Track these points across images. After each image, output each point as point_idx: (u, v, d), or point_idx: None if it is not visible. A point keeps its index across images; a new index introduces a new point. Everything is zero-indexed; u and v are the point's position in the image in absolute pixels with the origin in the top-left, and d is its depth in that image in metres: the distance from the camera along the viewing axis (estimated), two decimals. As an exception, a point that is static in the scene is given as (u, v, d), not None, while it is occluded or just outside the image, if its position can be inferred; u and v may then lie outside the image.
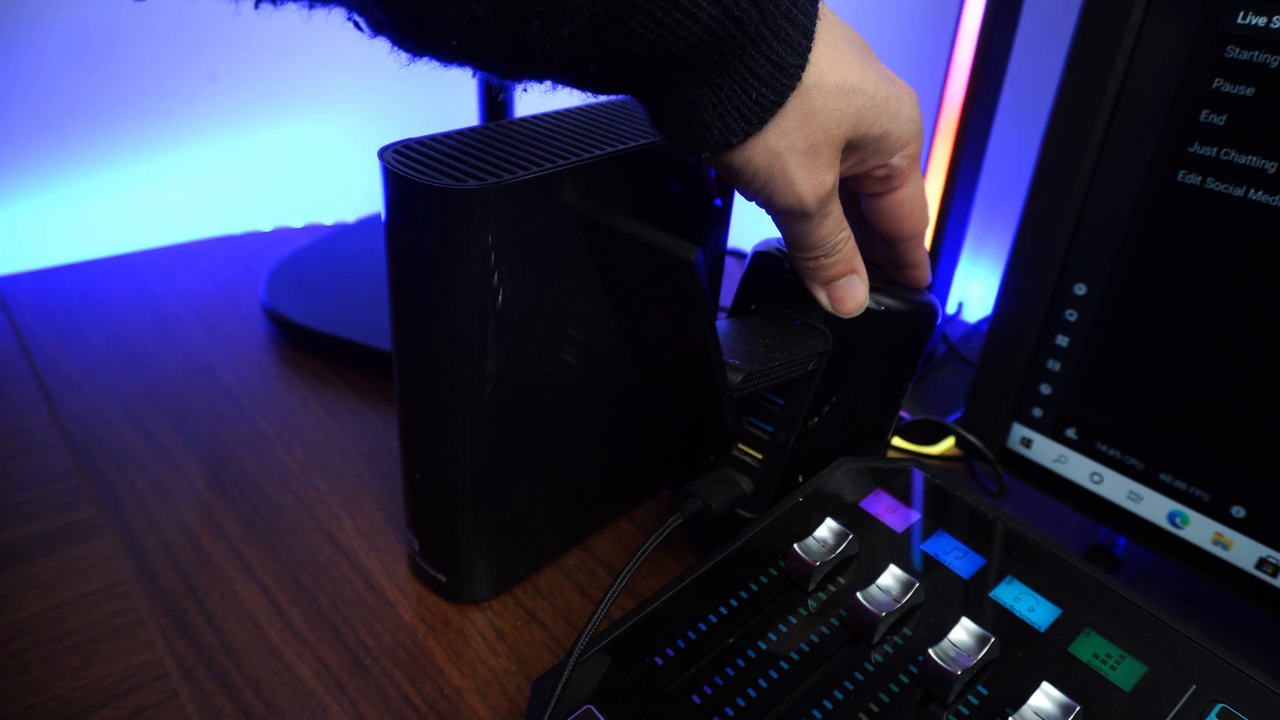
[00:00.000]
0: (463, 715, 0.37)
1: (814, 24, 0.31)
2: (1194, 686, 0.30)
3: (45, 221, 0.76)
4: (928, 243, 0.59)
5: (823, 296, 0.37)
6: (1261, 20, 0.34)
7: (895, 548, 0.36)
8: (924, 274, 0.40)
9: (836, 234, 0.35)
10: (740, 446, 0.42)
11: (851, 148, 0.33)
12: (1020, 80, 0.60)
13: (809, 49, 0.30)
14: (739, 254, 0.73)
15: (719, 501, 0.39)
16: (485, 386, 0.36)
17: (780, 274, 0.40)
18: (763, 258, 0.41)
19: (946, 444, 0.57)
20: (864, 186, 0.37)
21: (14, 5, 0.68)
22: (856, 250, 0.37)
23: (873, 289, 0.39)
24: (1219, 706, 0.30)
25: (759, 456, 0.41)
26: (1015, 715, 0.29)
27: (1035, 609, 0.33)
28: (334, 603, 0.42)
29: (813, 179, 0.32)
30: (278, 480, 0.50)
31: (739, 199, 0.45)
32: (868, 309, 0.39)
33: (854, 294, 0.37)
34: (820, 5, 0.31)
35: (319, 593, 0.43)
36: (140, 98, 0.76)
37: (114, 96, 0.75)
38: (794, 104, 0.31)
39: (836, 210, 0.35)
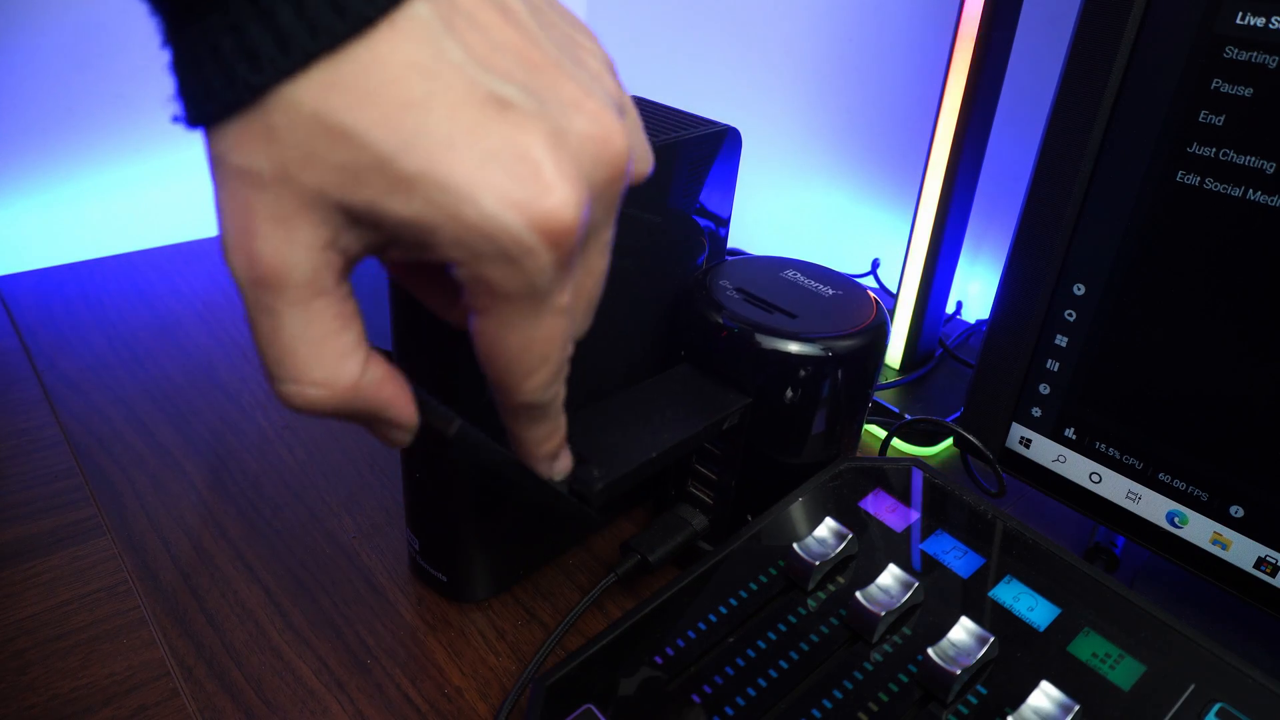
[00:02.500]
0: (463, 714, 0.37)
1: (374, 11, 0.19)
2: (1193, 686, 0.30)
3: (45, 221, 0.76)
4: (922, 252, 0.59)
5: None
6: (1260, 21, 0.34)
7: (894, 547, 0.36)
8: (530, 453, 0.28)
9: (288, 364, 0.22)
10: (694, 484, 0.43)
11: (361, 222, 0.21)
12: (1020, 80, 0.60)
13: (310, 53, 0.19)
14: (738, 254, 0.73)
15: (658, 555, 0.41)
16: (485, 386, 0.36)
17: (702, 324, 0.40)
18: (686, 294, 0.41)
19: (946, 444, 0.57)
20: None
21: (14, 5, 0.68)
22: (376, 398, 0.24)
23: (799, 334, 0.38)
24: (1217, 705, 0.30)
25: (711, 493, 0.42)
26: (1014, 714, 0.29)
27: (1034, 608, 0.33)
28: (334, 602, 0.42)
29: (243, 228, 0.21)
30: (278, 480, 0.50)
31: (737, 203, 0.45)
32: (789, 355, 0.37)
33: (387, 436, 0.25)
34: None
35: (319, 592, 0.43)
36: (140, 98, 0.76)
37: (114, 96, 0.75)
38: (256, 113, 0.20)
39: (297, 325, 0.22)
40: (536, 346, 0.23)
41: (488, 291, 0.22)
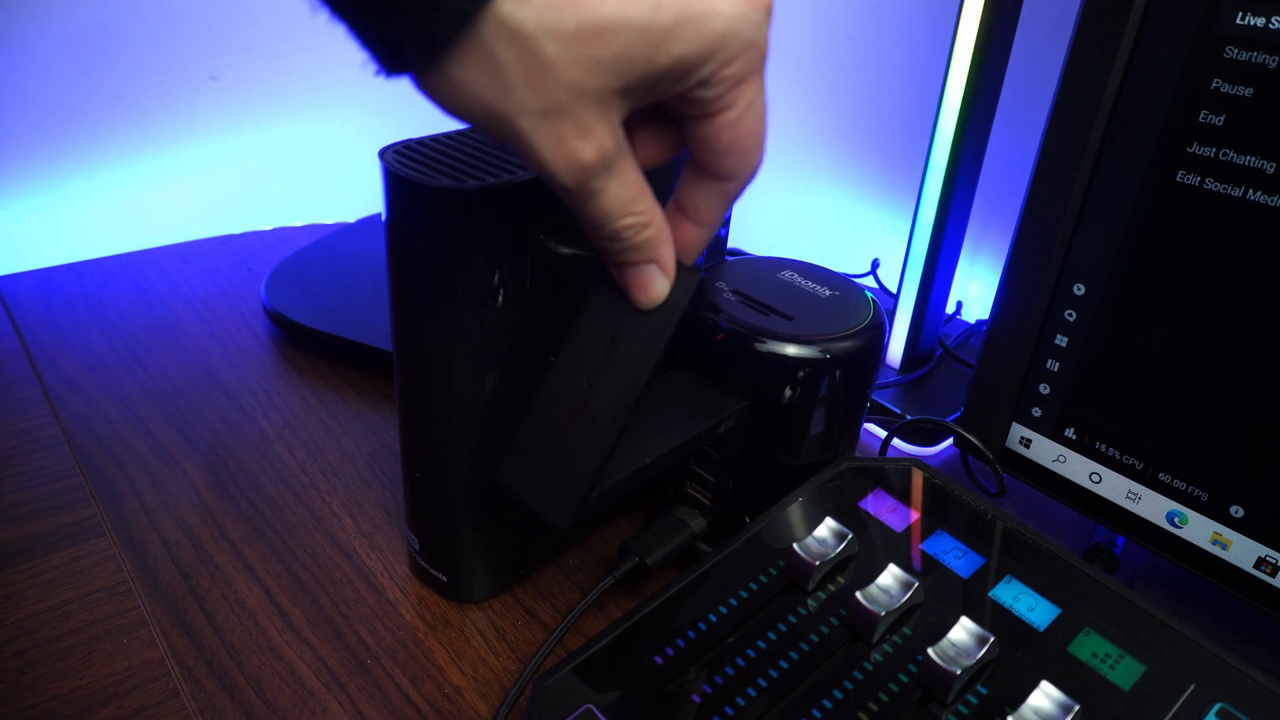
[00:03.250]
0: (463, 714, 0.37)
1: None
2: (1192, 686, 0.30)
3: (45, 221, 0.76)
4: (922, 252, 0.59)
5: (618, 278, 0.31)
6: (1260, 21, 0.34)
7: (894, 547, 0.36)
8: (696, 239, 0.31)
9: (621, 215, 0.28)
10: (692, 486, 0.43)
11: (632, 91, 0.26)
12: (1020, 80, 0.60)
13: None
14: (738, 254, 0.73)
15: (655, 557, 0.41)
16: (485, 386, 0.36)
17: (697, 326, 0.39)
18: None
19: (946, 444, 0.57)
20: (677, 109, 0.28)
21: (14, 5, 0.68)
22: (660, 234, 0.30)
23: (795, 336, 0.38)
24: (1217, 705, 0.30)
25: (709, 495, 0.42)
26: (1014, 714, 0.29)
27: (1034, 608, 0.33)
28: (334, 602, 0.42)
29: (560, 150, 0.25)
30: (278, 480, 0.50)
31: (737, 202, 0.45)
32: (785, 358, 0.37)
33: (646, 286, 0.31)
34: None
35: (319, 592, 0.43)
36: (140, 98, 0.76)
37: (114, 96, 0.75)
38: (504, 46, 0.23)
39: (617, 186, 0.27)
40: (763, 119, 0.28)
41: (737, 82, 0.26)
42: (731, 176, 0.29)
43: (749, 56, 0.26)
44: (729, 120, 0.27)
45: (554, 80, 0.24)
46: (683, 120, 0.28)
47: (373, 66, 0.25)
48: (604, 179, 0.27)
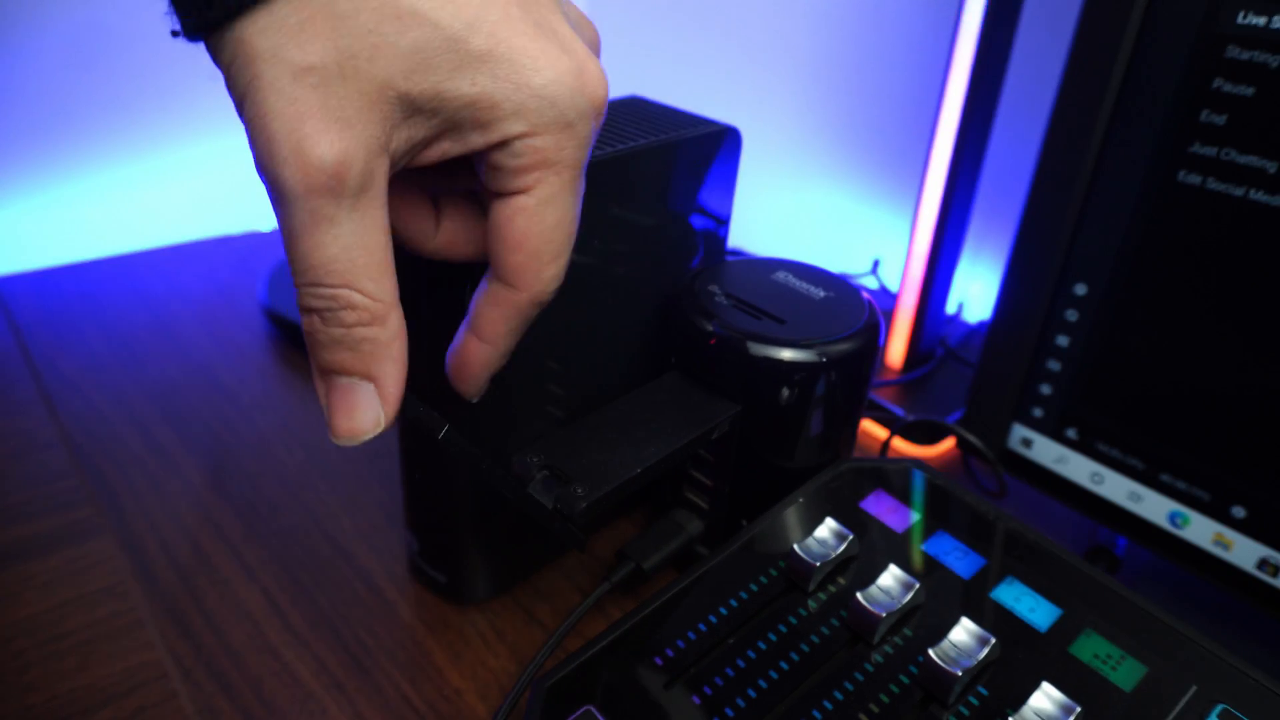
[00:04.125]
0: (462, 716, 0.37)
1: None
2: (1194, 687, 0.30)
3: (45, 222, 0.76)
4: (923, 252, 0.59)
5: (320, 391, 0.24)
6: (1262, 20, 0.34)
7: (895, 548, 0.36)
8: (479, 359, 0.27)
9: (344, 276, 0.22)
10: (689, 489, 0.43)
11: (420, 111, 0.21)
12: (1020, 80, 0.60)
13: None
14: (738, 255, 0.73)
15: (652, 562, 0.41)
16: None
17: (689, 331, 0.39)
18: (675, 299, 0.41)
19: (946, 444, 0.57)
20: (482, 180, 0.24)
21: (13, 5, 0.68)
22: (391, 346, 0.24)
23: (788, 340, 0.37)
24: (1220, 707, 0.29)
25: (706, 498, 0.42)
26: (1015, 716, 0.29)
27: (1035, 609, 0.33)
28: (333, 603, 0.42)
29: (298, 130, 0.20)
30: (277, 480, 0.50)
31: (737, 203, 0.45)
32: (778, 363, 0.37)
33: (348, 411, 0.24)
34: None
35: (318, 593, 0.43)
36: (139, 98, 0.76)
37: (113, 96, 0.75)
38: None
39: (352, 229, 0.21)
40: (566, 226, 0.25)
41: (543, 164, 0.23)
42: (517, 283, 0.25)
43: (563, 140, 0.23)
44: (523, 207, 0.23)
45: (329, 42, 0.20)
46: (486, 201, 0.25)
47: (173, 25, 0.21)
48: (337, 207, 0.21)
